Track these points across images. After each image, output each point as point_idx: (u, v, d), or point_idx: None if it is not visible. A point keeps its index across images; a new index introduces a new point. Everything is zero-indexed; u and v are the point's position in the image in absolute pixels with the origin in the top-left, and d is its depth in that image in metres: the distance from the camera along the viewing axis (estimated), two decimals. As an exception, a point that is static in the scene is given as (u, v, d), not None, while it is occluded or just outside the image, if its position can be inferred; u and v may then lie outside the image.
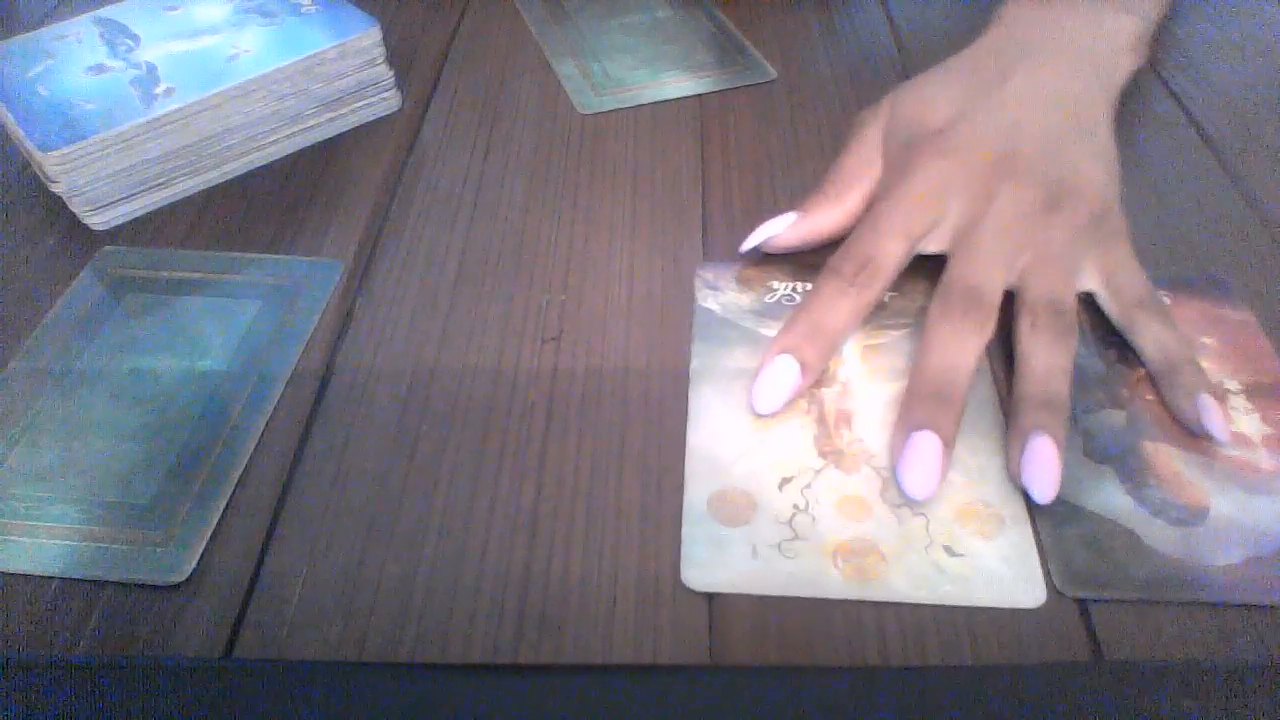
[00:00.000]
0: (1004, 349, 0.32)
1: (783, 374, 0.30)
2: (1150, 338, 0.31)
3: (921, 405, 0.29)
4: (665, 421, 0.31)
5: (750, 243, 0.35)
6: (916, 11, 0.51)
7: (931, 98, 0.37)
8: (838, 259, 0.33)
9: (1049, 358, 0.30)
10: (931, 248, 0.33)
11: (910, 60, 0.48)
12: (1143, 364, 0.32)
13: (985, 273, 0.31)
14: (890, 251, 0.32)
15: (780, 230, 0.35)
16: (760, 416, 0.30)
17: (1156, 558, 0.27)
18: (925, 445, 0.28)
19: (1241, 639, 0.25)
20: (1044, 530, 0.27)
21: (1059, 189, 0.33)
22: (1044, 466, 0.28)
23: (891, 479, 0.29)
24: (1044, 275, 0.32)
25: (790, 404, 0.31)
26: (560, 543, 0.28)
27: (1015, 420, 0.29)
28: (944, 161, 0.34)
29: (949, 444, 0.28)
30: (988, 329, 0.30)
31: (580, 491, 0.29)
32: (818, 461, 0.29)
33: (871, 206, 0.34)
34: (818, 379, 0.32)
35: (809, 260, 0.36)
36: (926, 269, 0.35)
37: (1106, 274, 0.32)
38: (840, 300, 0.32)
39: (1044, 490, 0.27)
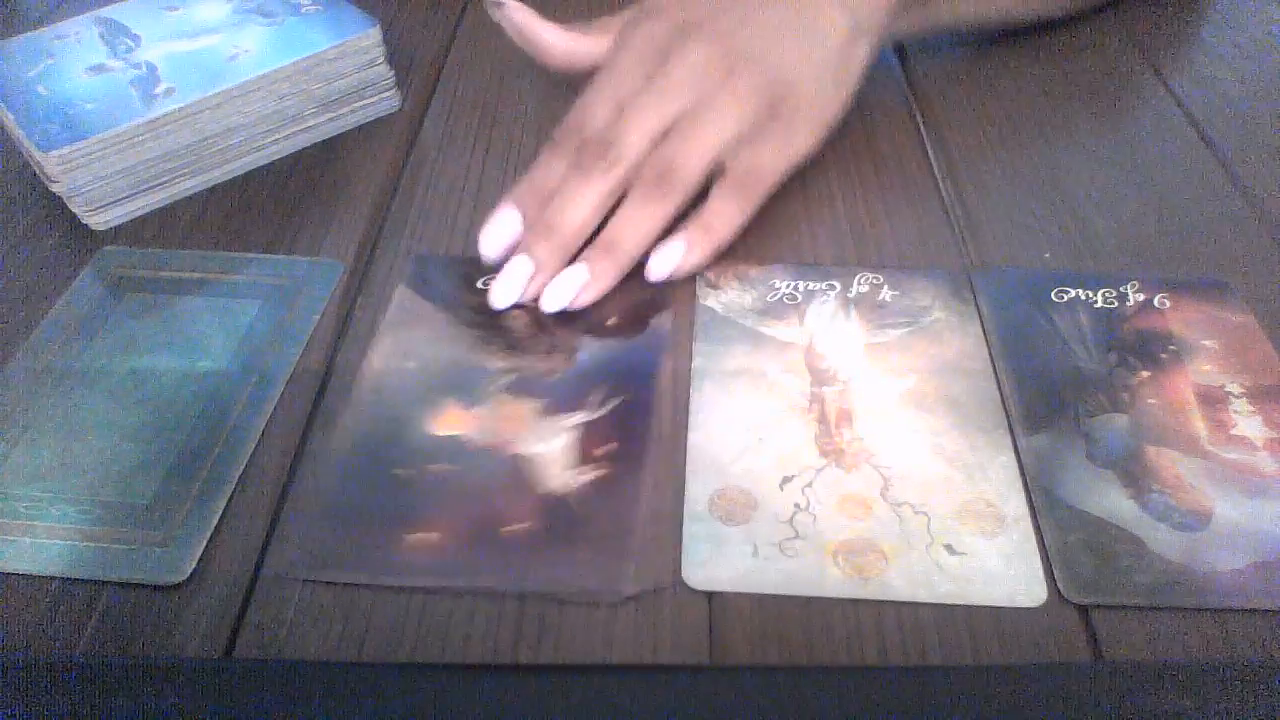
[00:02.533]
0: (1000, 344, 0.32)
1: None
2: (710, 205, 0.35)
3: (535, 237, 0.34)
4: (666, 421, 0.31)
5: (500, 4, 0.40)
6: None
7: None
8: (563, 136, 0.35)
9: (631, 211, 0.34)
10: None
11: (915, 79, 0.48)
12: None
13: (630, 122, 0.33)
14: (607, 121, 0.34)
15: (523, 10, 0.39)
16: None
17: (1160, 563, 0.27)
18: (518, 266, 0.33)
19: (1243, 643, 0.25)
20: (1048, 535, 0.27)
21: (745, 61, 0.34)
22: (560, 285, 0.33)
23: (893, 477, 0.29)
24: (680, 136, 0.34)
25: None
26: (560, 543, 0.27)
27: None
28: (648, 24, 0.36)
29: (543, 272, 0.33)
30: (611, 177, 0.33)
31: (580, 491, 0.29)
32: (819, 460, 0.29)
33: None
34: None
35: (808, 259, 0.36)
36: (919, 267, 0.35)
37: (742, 149, 0.34)
38: (582, 187, 0.34)
39: (545, 298, 0.33)
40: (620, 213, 0.34)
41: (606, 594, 0.26)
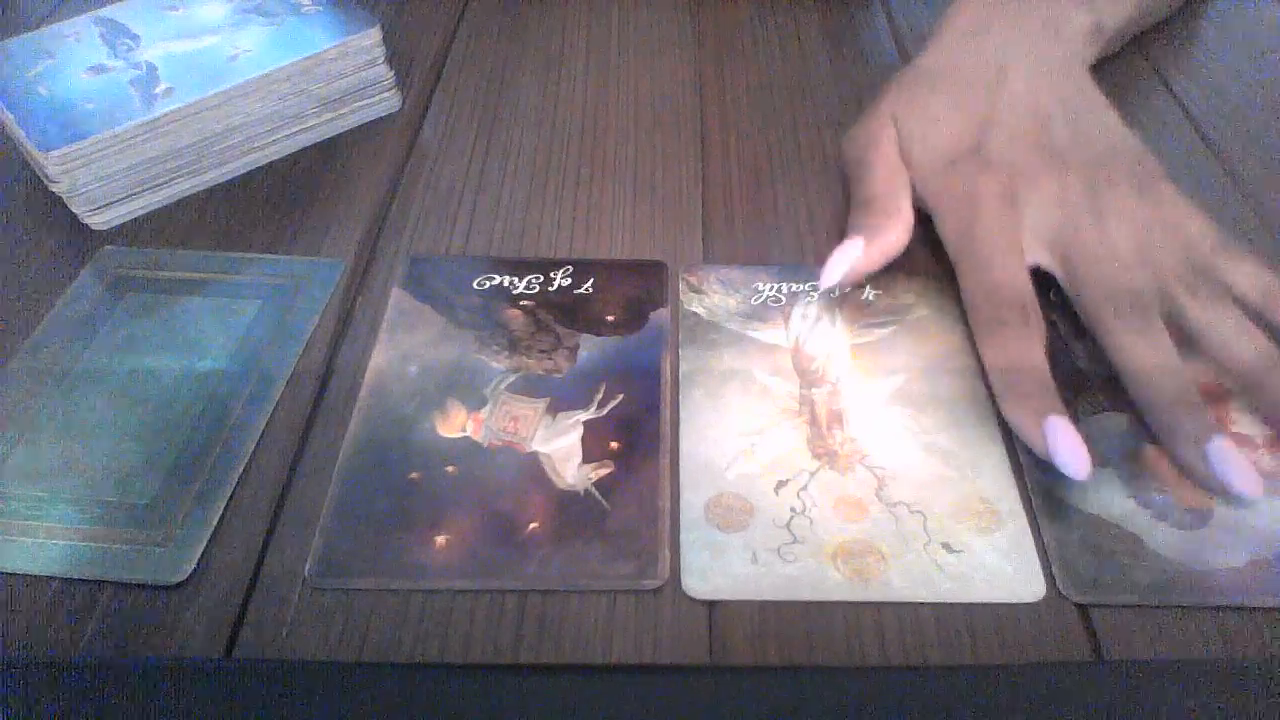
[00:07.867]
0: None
1: (1064, 431, 0.28)
2: (1243, 277, 0.31)
3: (1182, 414, 0.28)
4: (671, 411, 0.31)
5: (831, 279, 0.33)
6: (917, 11, 0.51)
7: (939, 115, 0.36)
8: (990, 309, 0.31)
9: (1232, 321, 0.30)
10: (1033, 259, 0.32)
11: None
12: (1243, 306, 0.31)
13: (1129, 270, 0.31)
14: (1024, 278, 0.32)
15: (858, 255, 0.33)
16: (1080, 475, 0.27)
17: (1160, 561, 0.27)
18: (1227, 448, 0.27)
19: (1242, 640, 0.25)
20: (1047, 534, 0.27)
21: (1109, 165, 0.33)
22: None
23: (887, 477, 0.29)
24: (1165, 247, 0.31)
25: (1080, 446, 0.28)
26: (560, 543, 0.27)
27: (1262, 392, 0.29)
28: (998, 175, 0.33)
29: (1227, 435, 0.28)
30: (1160, 322, 0.30)
31: (580, 491, 0.29)
32: (812, 463, 0.29)
33: (960, 247, 0.33)
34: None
35: (790, 260, 0.36)
36: (906, 268, 0.35)
37: (1182, 229, 0.32)
38: (1030, 346, 0.30)
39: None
40: (1228, 325, 0.30)
41: (646, 581, 0.26)
